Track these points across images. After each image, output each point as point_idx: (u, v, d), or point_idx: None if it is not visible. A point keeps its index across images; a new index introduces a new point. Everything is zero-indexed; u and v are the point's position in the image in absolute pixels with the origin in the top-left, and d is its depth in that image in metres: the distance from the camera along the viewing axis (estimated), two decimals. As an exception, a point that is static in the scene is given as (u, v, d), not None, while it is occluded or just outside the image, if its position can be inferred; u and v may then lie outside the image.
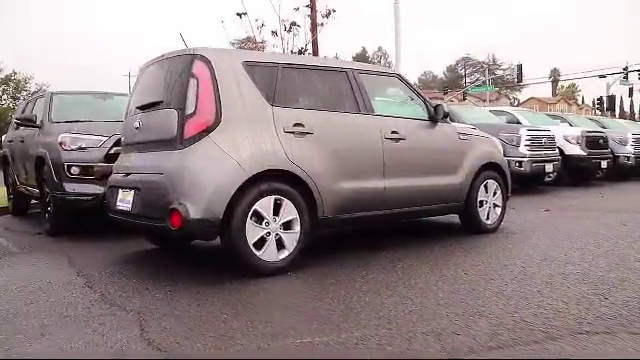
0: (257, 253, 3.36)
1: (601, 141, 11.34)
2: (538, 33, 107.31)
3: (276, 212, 3.46)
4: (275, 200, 3.45)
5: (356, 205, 3.95)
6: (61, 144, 5.23)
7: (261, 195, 3.37)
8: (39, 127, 6.00)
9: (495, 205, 5.19)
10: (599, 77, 36.33)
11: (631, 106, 67.20)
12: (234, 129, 3.36)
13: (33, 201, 7.38)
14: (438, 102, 5.07)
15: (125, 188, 3.69)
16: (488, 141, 5.28)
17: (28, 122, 6.02)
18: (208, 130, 3.28)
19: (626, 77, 36.29)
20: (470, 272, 3.45)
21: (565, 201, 7.91)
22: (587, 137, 10.99)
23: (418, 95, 4.73)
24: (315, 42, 13.57)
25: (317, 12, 18.22)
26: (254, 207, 3.34)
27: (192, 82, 3.34)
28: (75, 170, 5.13)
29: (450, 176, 4.69)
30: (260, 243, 3.39)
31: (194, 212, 3.15)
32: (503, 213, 5.30)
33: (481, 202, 4.99)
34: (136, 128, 3.75)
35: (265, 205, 3.40)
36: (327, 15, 18.50)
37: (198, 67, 3.38)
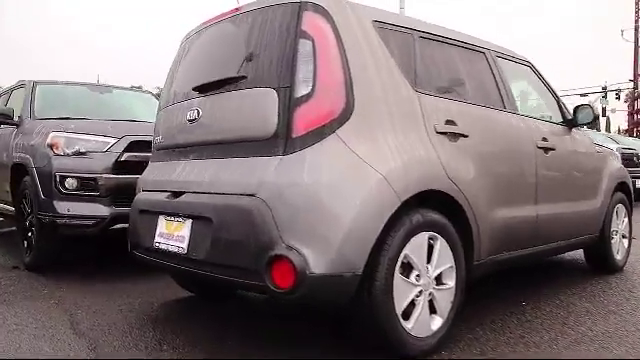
0: (406, 326, 2.06)
1: (635, 158, 10.53)
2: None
3: (428, 258, 2.18)
4: (428, 239, 2.17)
5: (508, 242, 2.70)
6: (52, 147, 3.79)
7: (413, 232, 2.08)
8: (17, 125, 4.53)
9: (623, 236, 4.06)
10: (580, 95, 36.61)
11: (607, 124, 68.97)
12: (373, 123, 2.07)
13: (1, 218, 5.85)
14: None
15: (173, 216, 2.32)
16: (615, 155, 4.16)
17: (2, 118, 4.53)
18: (334, 123, 1.97)
19: (605, 96, 36.80)
20: None
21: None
22: (623, 154, 10.16)
23: (551, 92, 3.55)
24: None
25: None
26: (404, 251, 2.05)
27: (303, 45, 2.03)
28: (71, 183, 3.68)
29: (590, 200, 3.53)
30: (408, 309, 2.09)
31: (318, 263, 1.83)
32: (630, 245, 4.17)
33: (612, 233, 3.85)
34: (190, 121, 2.39)
35: (417, 248, 2.10)
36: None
37: (312, 21, 2.08)
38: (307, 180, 1.90)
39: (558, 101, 3.54)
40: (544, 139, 3.02)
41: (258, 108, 2.09)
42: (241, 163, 2.09)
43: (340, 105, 1.98)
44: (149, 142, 3.86)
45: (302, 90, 1.99)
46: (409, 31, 2.43)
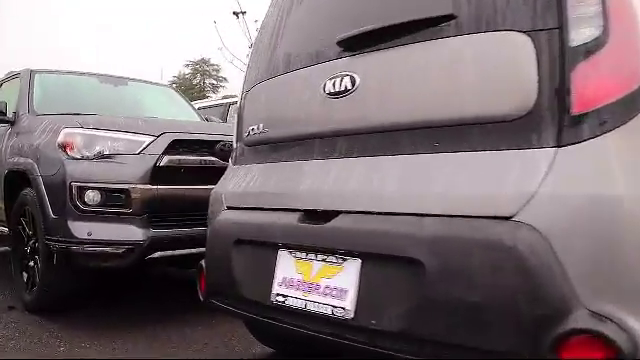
0: None
1: None
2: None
3: None
4: None
5: None
6: (65, 147, 2.83)
7: None
8: (11, 122, 3.55)
9: None
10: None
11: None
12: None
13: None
14: None
15: (316, 252, 1.41)
16: None
17: (-9, 113, 3.54)
18: (648, 91, 1.12)
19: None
20: None
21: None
22: None
23: None
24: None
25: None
26: None
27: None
28: (92, 196, 2.72)
29: None
30: None
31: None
32: None
33: None
34: (334, 95, 1.47)
35: None
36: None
37: None
38: (624, 191, 1.03)
39: None
40: None
41: (493, 67, 1.21)
42: (468, 162, 1.20)
43: (656, 60, 1.13)
44: (199, 142, 2.98)
45: (584, 34, 1.12)
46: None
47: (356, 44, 1.45)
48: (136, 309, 3.13)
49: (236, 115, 1.99)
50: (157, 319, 2.86)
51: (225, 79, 39.40)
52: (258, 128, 1.77)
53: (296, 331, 1.42)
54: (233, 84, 31.75)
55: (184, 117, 4.20)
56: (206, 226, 2.76)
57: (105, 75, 4.31)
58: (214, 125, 3.89)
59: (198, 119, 4.36)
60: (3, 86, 4.28)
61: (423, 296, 1.15)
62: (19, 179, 3.14)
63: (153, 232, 2.72)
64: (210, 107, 6.33)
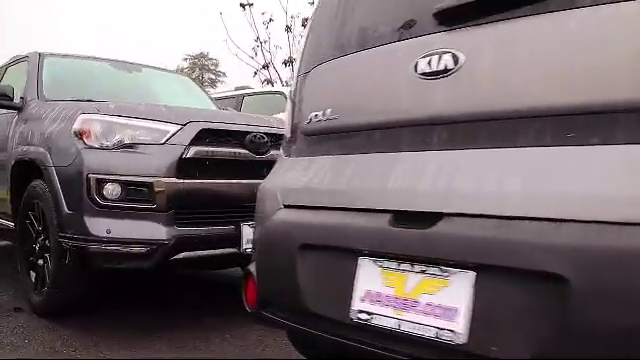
0: None
1: None
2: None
3: None
4: None
5: None
6: (81, 135, 2.58)
7: None
8: (18, 108, 3.29)
9: None
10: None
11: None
12: None
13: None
14: None
15: (411, 262, 1.17)
16: None
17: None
18: None
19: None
20: None
21: None
22: None
23: None
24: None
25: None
26: None
27: None
28: (112, 190, 2.46)
29: None
30: None
31: None
32: None
33: None
34: (429, 75, 1.22)
35: None
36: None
37: None
38: None
39: None
40: None
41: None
42: (615, 156, 0.96)
43: None
44: (228, 132, 2.73)
45: None
46: None
47: (459, 16, 1.21)
48: (154, 313, 2.89)
49: (289, 101, 1.76)
50: (180, 325, 2.61)
51: (224, 73, 39.11)
52: (324, 114, 1.53)
53: (383, 355, 1.19)
54: (232, 78, 31.42)
55: (202, 107, 3.96)
56: (236, 225, 2.59)
57: (118, 60, 4.05)
58: (243, 115, 3.65)
59: (216, 109, 4.12)
60: (9, 70, 4.02)
61: (567, 319, 0.92)
62: (28, 169, 2.89)
63: (178, 230, 2.48)
64: (221, 98, 6.07)
